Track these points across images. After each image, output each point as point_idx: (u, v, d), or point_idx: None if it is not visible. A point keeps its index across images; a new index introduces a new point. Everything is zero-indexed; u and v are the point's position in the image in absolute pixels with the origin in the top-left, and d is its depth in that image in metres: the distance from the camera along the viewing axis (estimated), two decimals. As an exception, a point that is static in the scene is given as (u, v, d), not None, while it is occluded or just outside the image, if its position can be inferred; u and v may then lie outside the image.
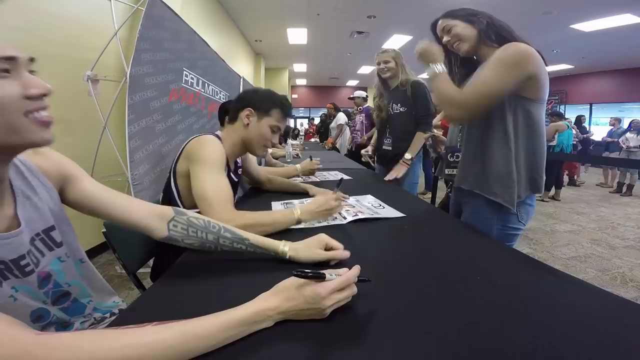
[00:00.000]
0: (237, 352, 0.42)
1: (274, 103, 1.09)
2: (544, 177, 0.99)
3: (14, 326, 0.36)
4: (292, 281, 0.50)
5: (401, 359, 0.41)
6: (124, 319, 0.49)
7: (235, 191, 1.22)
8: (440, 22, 1.07)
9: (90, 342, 0.35)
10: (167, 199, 1.06)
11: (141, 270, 1.00)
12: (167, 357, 0.37)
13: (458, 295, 0.56)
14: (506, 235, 1.01)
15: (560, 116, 5.35)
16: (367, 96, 4.83)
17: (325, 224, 0.97)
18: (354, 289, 0.51)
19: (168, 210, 0.70)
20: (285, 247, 0.71)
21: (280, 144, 5.02)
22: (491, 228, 1.01)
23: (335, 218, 1.01)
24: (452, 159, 1.23)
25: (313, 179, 1.66)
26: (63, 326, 0.60)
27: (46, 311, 0.56)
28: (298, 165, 1.67)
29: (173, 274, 0.67)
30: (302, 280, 0.48)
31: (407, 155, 1.85)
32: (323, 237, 0.72)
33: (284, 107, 1.10)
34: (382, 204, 1.21)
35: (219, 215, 0.82)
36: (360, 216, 1.02)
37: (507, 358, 0.41)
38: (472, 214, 1.08)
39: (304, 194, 1.35)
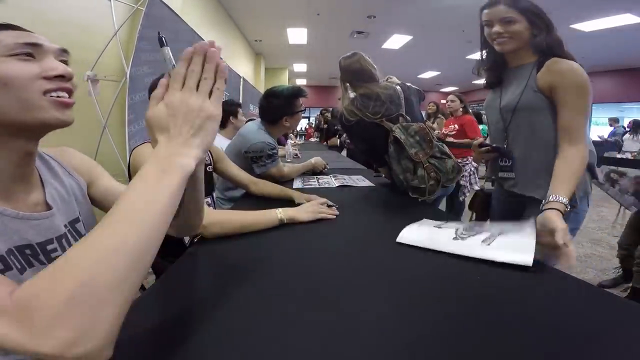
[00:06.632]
0: (240, 346, 0.42)
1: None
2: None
3: None
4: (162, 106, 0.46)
5: None
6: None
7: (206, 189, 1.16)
8: (502, 7, 0.90)
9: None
10: None
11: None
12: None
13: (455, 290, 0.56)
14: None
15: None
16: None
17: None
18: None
19: None
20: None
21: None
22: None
23: None
24: (503, 163, 1.10)
25: (313, 184, 1.68)
26: None
27: None
28: (312, 160, 1.92)
29: (173, 273, 0.67)
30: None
31: None
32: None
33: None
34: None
35: None
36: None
37: (503, 356, 0.41)
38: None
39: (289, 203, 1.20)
